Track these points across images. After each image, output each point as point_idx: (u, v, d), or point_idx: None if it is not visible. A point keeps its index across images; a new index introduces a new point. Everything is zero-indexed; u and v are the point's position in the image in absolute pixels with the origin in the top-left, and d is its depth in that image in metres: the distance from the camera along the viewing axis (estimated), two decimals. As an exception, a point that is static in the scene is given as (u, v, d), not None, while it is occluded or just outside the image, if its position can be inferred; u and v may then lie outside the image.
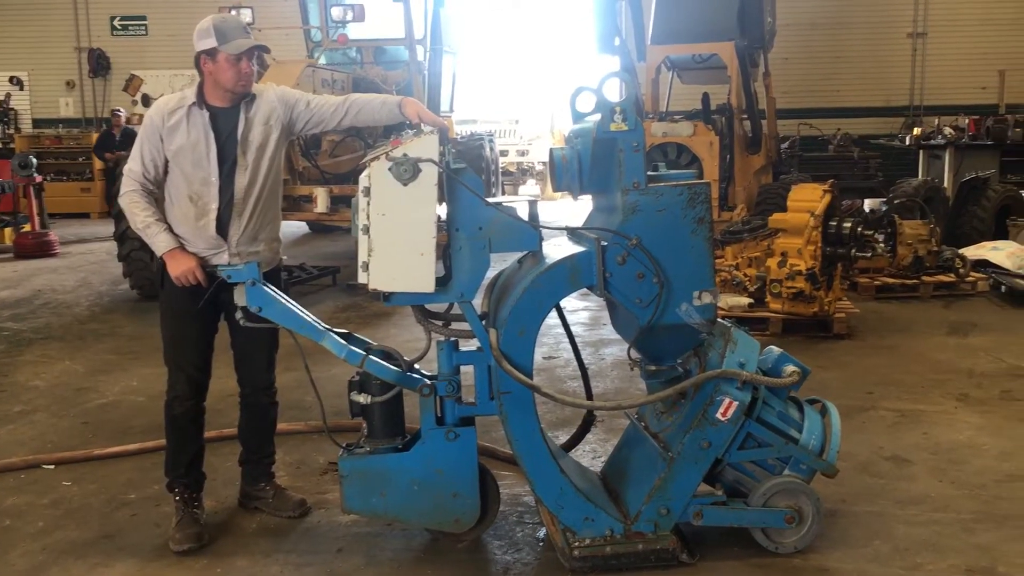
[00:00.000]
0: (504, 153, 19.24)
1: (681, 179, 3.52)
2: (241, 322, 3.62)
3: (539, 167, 20.92)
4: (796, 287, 6.98)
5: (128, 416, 5.60)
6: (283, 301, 3.58)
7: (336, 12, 11.69)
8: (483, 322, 3.58)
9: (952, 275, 8.74)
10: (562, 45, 22.30)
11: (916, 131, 14.17)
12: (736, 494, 3.64)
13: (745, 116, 10.95)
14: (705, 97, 10.66)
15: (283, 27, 12.35)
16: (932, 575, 3.44)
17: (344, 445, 3.66)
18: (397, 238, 3.33)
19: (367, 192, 3.32)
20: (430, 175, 3.30)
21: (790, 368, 3.61)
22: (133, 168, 3.77)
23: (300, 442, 5.02)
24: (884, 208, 9.74)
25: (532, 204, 3.60)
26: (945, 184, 12.51)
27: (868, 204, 11.85)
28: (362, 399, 3.57)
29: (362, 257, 3.36)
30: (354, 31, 11.68)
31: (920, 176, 13.48)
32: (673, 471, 3.48)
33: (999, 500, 4.10)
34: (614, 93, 3.39)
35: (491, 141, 15.18)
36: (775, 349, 3.73)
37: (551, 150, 3.64)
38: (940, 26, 17.67)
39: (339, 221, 10.01)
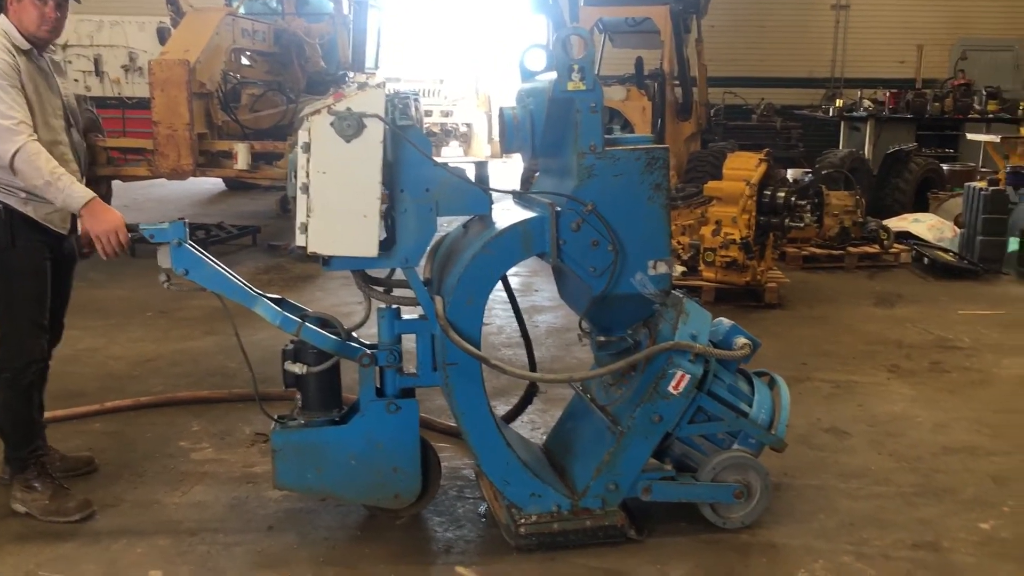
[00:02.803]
0: (428, 113, 18.90)
1: (637, 143, 3.37)
2: (165, 286, 3.34)
3: (463, 128, 20.63)
4: (730, 256, 6.95)
5: None
6: (211, 263, 3.33)
7: (257, -41, 11.22)
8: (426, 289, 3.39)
9: (876, 246, 8.86)
10: (490, 4, 21.92)
11: (839, 102, 14.33)
12: (683, 468, 3.55)
13: (677, 82, 10.88)
14: (639, 61, 10.53)
15: (200, -27, 11.71)
16: (879, 551, 3.41)
17: (276, 417, 3.44)
18: (339, 198, 3.10)
19: (306, 148, 3.08)
20: (375, 131, 3.07)
21: (741, 340, 3.52)
22: (23, 116, 3.30)
23: (224, 411, 4.75)
24: (808, 178, 9.80)
25: (482, 166, 3.40)
26: (866, 156, 12.70)
27: (791, 174, 11.94)
28: (297, 369, 3.35)
29: (300, 218, 3.13)
30: (276, -20, 11.21)
31: (841, 147, 13.66)
32: (622, 445, 3.36)
33: (937, 473, 4.12)
34: (572, 50, 3.21)
35: (416, 100, 14.86)
36: (725, 321, 3.63)
37: (501, 109, 3.45)
38: (863, -1, 17.91)
39: (260, 178, 9.63)
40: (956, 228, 9.23)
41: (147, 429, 4.51)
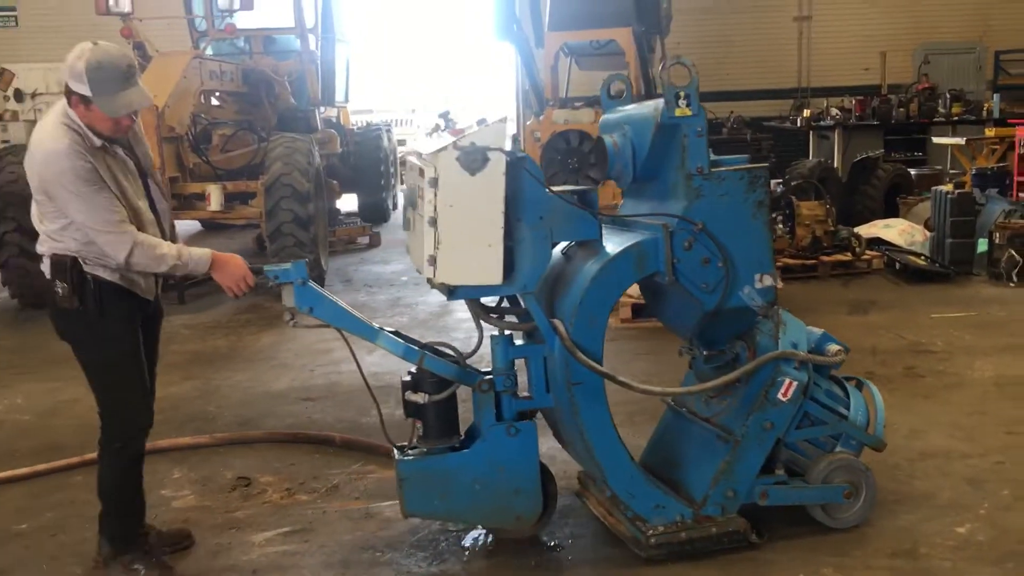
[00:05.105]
0: (401, 143, 18.96)
1: (737, 163, 3.56)
2: (290, 324, 3.46)
3: (437, 156, 20.72)
4: (704, 272, 7.00)
5: (13, 437, 5.22)
6: (332, 299, 3.44)
7: (222, 0, 11.25)
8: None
9: (849, 254, 8.96)
10: (456, 32, 22.11)
11: (806, 112, 14.49)
12: (788, 473, 3.68)
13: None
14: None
15: (166, 16, 11.75)
16: (860, 561, 3.45)
17: (398, 446, 3.54)
18: (466, 229, 3.22)
19: (434, 183, 3.19)
20: (498, 164, 3.20)
21: (834, 347, 3.68)
22: (121, 215, 3.25)
23: (205, 457, 4.75)
24: (780, 189, 9.90)
25: (588, 192, 3.53)
26: (835, 164, 12.84)
27: (764, 186, 12.06)
28: (419, 398, 3.46)
29: (428, 251, 3.23)
30: (242, 20, 11.27)
31: (811, 156, 13.81)
32: (738, 454, 3.51)
33: (914, 479, 4.17)
34: (676, 78, 3.36)
35: (388, 131, 14.92)
36: (815, 329, 3.77)
37: (599, 138, 3.59)
38: (825, 9, 18.11)
39: (235, 219, 9.66)
40: (926, 232, 9.34)
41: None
